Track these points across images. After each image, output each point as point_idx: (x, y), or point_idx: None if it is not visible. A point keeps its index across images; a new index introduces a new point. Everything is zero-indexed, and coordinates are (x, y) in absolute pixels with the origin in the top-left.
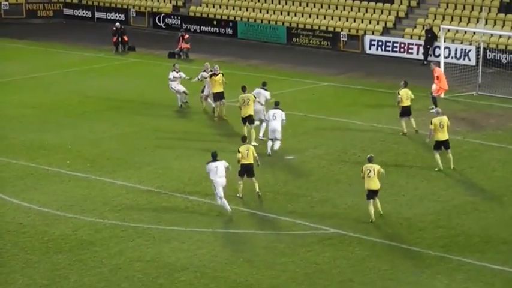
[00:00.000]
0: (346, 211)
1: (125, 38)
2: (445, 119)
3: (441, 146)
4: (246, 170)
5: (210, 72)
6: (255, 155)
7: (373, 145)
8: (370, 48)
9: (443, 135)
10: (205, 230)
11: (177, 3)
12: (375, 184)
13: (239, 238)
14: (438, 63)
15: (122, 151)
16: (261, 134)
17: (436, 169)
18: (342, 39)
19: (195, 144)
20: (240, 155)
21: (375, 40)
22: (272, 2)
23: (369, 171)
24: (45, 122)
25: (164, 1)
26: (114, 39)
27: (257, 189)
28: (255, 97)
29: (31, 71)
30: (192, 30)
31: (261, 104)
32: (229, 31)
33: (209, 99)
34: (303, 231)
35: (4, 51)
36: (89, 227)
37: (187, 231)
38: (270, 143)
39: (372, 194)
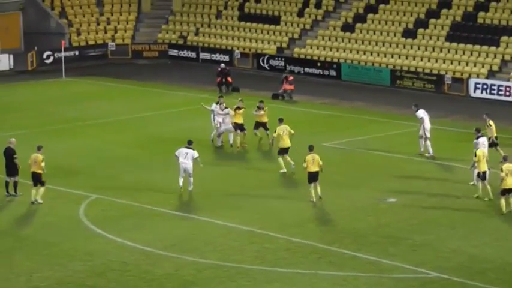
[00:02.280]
0: (449, 255)
1: (229, 79)
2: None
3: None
4: (313, 177)
5: (235, 106)
6: (320, 163)
7: (475, 189)
8: (474, 91)
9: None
10: (307, 271)
11: (281, 44)
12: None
13: (341, 280)
14: None
15: (225, 191)
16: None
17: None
18: (446, 82)
19: (297, 184)
20: (305, 164)
21: (479, 83)
22: (376, 45)
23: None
24: (151, 161)
25: (268, 43)
26: (219, 79)
27: (319, 193)
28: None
29: (136, 111)
30: (295, 71)
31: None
32: (333, 73)
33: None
34: (405, 275)
35: (110, 91)
36: (192, 266)
37: (289, 273)
38: None
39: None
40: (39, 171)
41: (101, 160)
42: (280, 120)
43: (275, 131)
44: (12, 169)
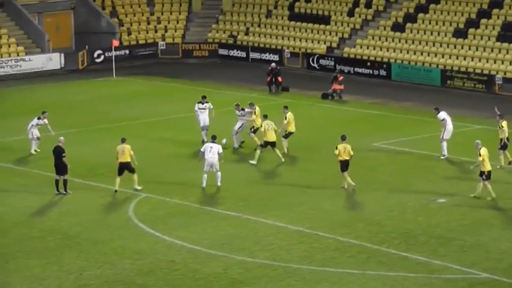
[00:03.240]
0: (500, 256)
1: (279, 78)
2: None
3: None
4: (345, 166)
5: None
6: (351, 153)
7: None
8: None
9: None
10: (355, 271)
11: (331, 44)
12: None
13: (390, 281)
14: None
15: (274, 191)
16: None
17: None
18: (497, 82)
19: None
20: (337, 151)
21: None
22: (427, 44)
23: None
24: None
25: (318, 42)
26: (268, 79)
27: (351, 183)
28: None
29: (185, 110)
30: (345, 71)
31: None
32: (383, 73)
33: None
34: (455, 275)
35: (160, 90)
36: (240, 265)
37: (338, 273)
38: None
39: None
40: (128, 160)
41: (150, 159)
42: (265, 117)
43: (261, 125)
44: (61, 168)
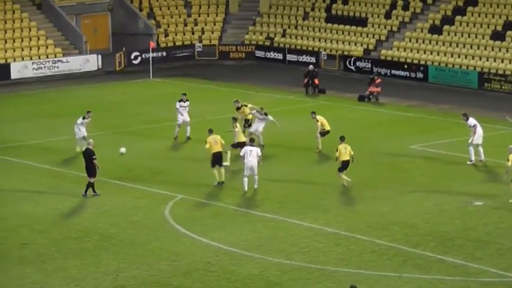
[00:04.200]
0: None
1: (316, 80)
2: None
3: None
4: (345, 166)
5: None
6: (352, 153)
7: None
8: None
9: None
10: (392, 274)
11: (368, 46)
12: None
13: (426, 284)
14: None
15: (310, 193)
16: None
17: None
18: None
19: (383, 187)
20: (338, 152)
21: None
22: (464, 47)
23: None
24: (237, 162)
25: (355, 44)
26: (305, 81)
27: (347, 179)
28: None
29: (222, 112)
30: (382, 73)
31: None
32: (420, 75)
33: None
34: (491, 279)
35: (196, 92)
36: (276, 267)
37: (374, 275)
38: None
39: None
40: (221, 150)
41: (187, 161)
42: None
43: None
44: (90, 170)
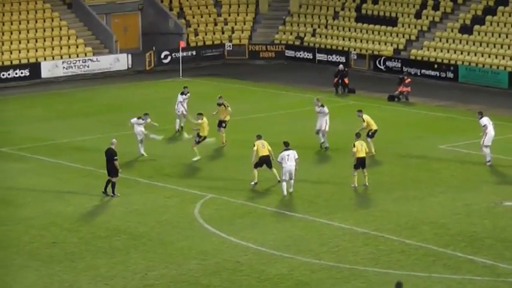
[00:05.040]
0: None
1: (346, 80)
2: None
3: None
4: (361, 163)
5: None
6: (367, 150)
7: None
8: None
9: None
10: (421, 274)
11: (398, 46)
12: None
13: (456, 284)
14: None
15: (339, 192)
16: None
17: None
18: None
19: (412, 187)
20: (355, 149)
21: None
22: (494, 47)
23: None
24: None
25: (385, 44)
26: (335, 80)
27: (366, 181)
28: None
29: (251, 112)
30: (412, 73)
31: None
32: (450, 75)
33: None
34: None
35: (226, 91)
36: (305, 267)
37: (404, 275)
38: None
39: None
40: (267, 154)
41: (216, 160)
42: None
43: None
44: (111, 170)
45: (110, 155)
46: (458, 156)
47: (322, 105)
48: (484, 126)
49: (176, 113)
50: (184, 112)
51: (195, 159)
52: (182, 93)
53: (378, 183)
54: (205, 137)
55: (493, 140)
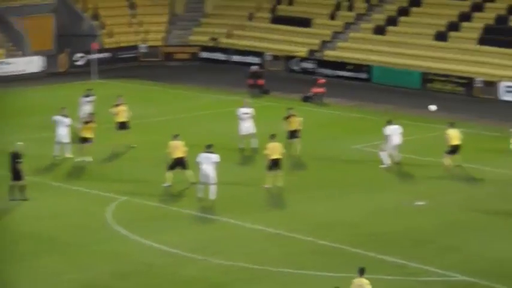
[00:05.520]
0: (476, 258)
1: (261, 81)
2: None
3: None
4: (275, 164)
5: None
6: (283, 151)
7: (505, 193)
8: (505, 95)
9: None
10: (333, 274)
11: (312, 47)
12: None
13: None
14: None
15: (254, 194)
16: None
17: None
18: (477, 85)
19: (325, 188)
20: (267, 151)
21: (509, 86)
22: (408, 47)
23: None
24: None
25: (300, 45)
26: (250, 82)
27: (280, 182)
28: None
29: (166, 113)
30: (326, 74)
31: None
32: (364, 76)
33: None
34: (431, 278)
35: (140, 93)
36: (219, 269)
37: (315, 276)
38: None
39: None
40: (183, 155)
41: (131, 162)
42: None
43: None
44: (17, 173)
45: (14, 157)
46: (371, 156)
47: (247, 107)
48: (386, 135)
49: (81, 115)
50: (87, 115)
51: (82, 159)
52: (87, 96)
53: (292, 184)
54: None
55: (402, 143)
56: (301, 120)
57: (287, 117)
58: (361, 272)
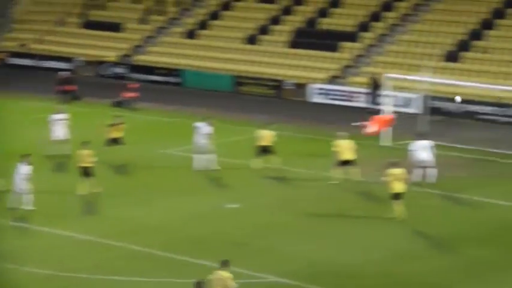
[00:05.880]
0: (289, 259)
1: (71, 87)
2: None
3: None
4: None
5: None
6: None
7: (317, 194)
8: (315, 97)
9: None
10: (146, 279)
11: (123, 52)
12: None
13: (179, 287)
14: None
15: (65, 201)
16: None
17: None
18: (287, 87)
19: (137, 193)
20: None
21: (319, 88)
22: (219, 51)
23: None
24: None
25: (111, 50)
26: (59, 88)
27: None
28: None
29: None
30: (138, 79)
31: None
32: (176, 80)
33: None
34: (243, 280)
35: None
36: (28, 277)
37: (128, 281)
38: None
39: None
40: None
41: None
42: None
43: None
44: None
45: None
46: (182, 160)
47: (61, 113)
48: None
49: None
50: None
51: None
52: None
53: (106, 191)
54: None
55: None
56: (124, 126)
57: (112, 125)
58: (224, 264)
